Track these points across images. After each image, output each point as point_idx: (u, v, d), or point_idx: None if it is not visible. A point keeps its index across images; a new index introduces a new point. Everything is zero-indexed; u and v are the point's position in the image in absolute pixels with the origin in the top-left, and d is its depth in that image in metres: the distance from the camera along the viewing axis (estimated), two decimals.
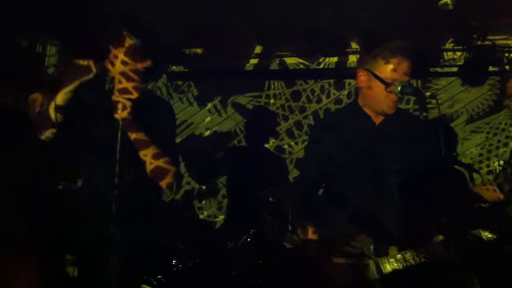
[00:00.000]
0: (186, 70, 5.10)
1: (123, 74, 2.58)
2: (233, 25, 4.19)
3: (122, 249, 2.56)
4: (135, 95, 2.63)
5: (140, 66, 2.60)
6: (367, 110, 2.72)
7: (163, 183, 2.56)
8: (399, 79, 2.58)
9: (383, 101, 2.62)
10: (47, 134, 2.56)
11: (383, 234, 2.54)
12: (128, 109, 2.46)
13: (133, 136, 2.50)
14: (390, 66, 2.59)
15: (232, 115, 5.04)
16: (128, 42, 2.56)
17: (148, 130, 2.55)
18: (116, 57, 2.55)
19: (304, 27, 4.13)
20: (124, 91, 2.57)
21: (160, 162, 2.50)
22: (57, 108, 2.54)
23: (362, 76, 2.69)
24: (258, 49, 4.78)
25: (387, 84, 2.58)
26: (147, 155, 2.49)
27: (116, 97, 2.53)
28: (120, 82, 2.56)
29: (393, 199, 2.61)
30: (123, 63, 2.57)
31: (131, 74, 2.62)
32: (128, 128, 2.49)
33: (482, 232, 2.46)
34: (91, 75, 2.54)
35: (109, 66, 2.55)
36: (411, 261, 2.44)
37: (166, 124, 2.77)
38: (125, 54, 2.56)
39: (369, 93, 2.67)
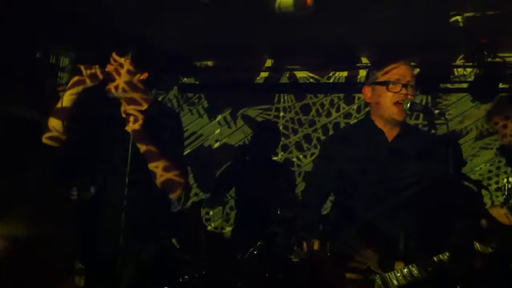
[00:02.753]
0: (197, 82, 5.13)
1: (129, 83, 2.61)
2: (244, 39, 4.22)
3: (131, 260, 2.58)
4: (144, 105, 2.65)
5: (140, 77, 2.64)
6: (380, 126, 2.72)
7: (173, 195, 2.58)
8: (401, 79, 2.60)
9: (390, 105, 2.62)
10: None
11: (390, 249, 2.54)
12: (140, 121, 2.48)
13: (143, 148, 2.52)
14: (389, 69, 2.63)
15: (242, 127, 5.06)
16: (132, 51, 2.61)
17: (157, 142, 2.57)
18: (121, 66, 2.58)
19: (315, 41, 4.16)
20: (132, 101, 2.59)
21: (171, 175, 2.52)
22: (64, 109, 2.57)
23: (368, 93, 2.72)
24: (268, 63, 4.80)
25: (387, 83, 2.60)
26: (158, 167, 2.51)
27: (127, 109, 2.56)
28: (125, 91, 2.58)
29: (401, 215, 2.61)
30: (129, 72, 2.60)
31: (138, 84, 2.65)
32: (139, 140, 2.51)
33: (479, 246, 2.46)
34: (96, 82, 2.57)
35: (115, 75, 2.58)
36: (418, 275, 2.45)
37: (174, 135, 2.79)
38: (130, 63, 2.59)
39: (377, 105, 2.69)
